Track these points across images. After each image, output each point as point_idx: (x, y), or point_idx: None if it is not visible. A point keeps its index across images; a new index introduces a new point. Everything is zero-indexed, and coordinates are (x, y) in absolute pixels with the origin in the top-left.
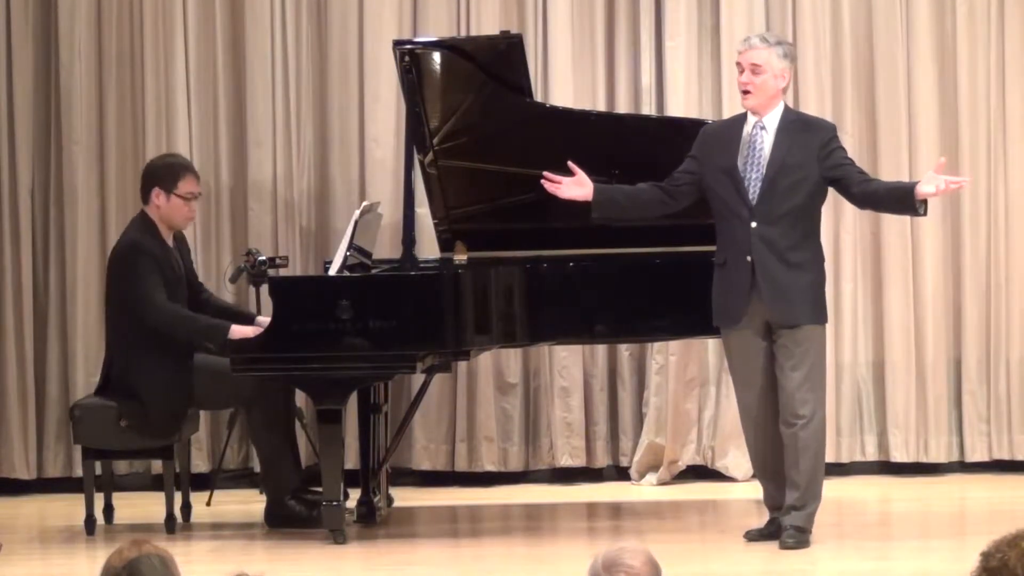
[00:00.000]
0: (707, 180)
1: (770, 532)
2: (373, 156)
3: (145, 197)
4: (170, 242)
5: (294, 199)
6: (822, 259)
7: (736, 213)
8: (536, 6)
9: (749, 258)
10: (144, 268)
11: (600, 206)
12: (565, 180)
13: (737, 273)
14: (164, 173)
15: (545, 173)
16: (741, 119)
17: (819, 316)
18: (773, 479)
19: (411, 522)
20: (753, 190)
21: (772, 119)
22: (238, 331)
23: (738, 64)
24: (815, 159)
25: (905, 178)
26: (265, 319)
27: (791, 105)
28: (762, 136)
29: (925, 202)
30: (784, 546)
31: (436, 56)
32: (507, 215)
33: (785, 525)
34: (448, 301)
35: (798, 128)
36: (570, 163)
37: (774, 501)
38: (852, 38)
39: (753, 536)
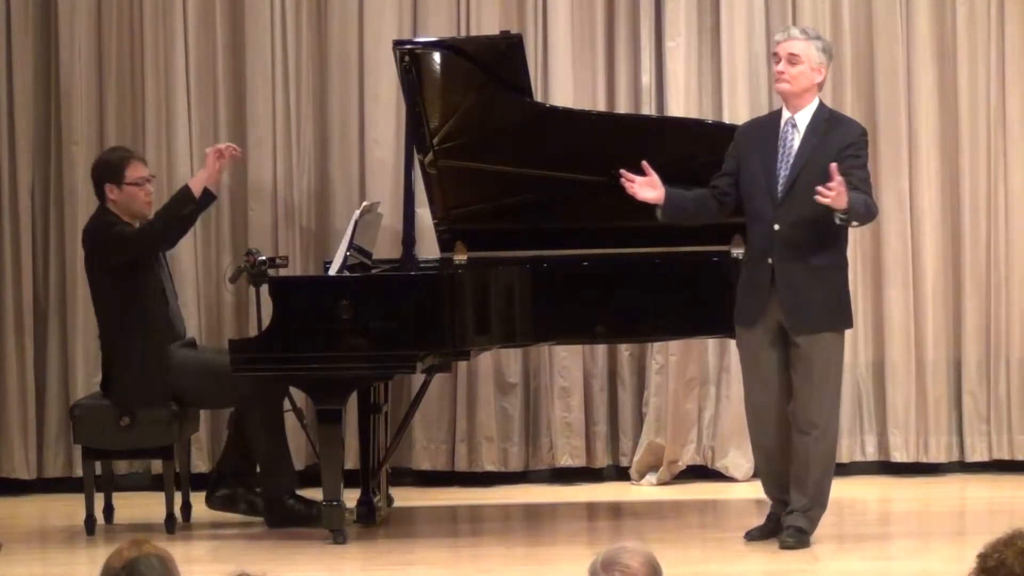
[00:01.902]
0: (741, 179)
1: (770, 530)
2: (373, 156)
3: (100, 196)
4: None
5: (294, 199)
6: (846, 265)
7: (762, 213)
8: (536, 6)
9: (770, 260)
10: (111, 232)
11: (667, 209)
12: (639, 180)
13: (758, 274)
14: (109, 167)
15: (623, 171)
16: (776, 116)
17: (837, 323)
18: (776, 477)
19: (411, 522)
20: (780, 191)
21: (804, 116)
22: (196, 182)
23: (774, 54)
24: (836, 160)
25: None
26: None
27: None
28: (793, 135)
29: (844, 212)
30: (784, 545)
31: (436, 56)
32: (507, 215)
33: (786, 524)
34: (448, 301)
35: (827, 127)
36: (644, 164)
37: (775, 494)
38: (852, 38)
39: (754, 536)
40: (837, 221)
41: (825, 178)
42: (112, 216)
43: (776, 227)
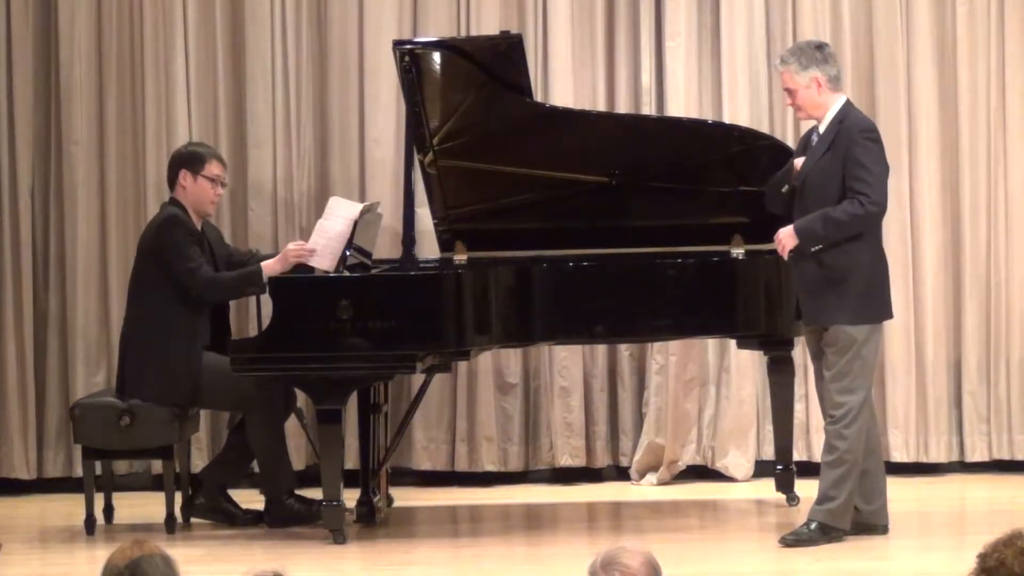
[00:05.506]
0: None
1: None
2: (373, 156)
3: (172, 181)
4: (199, 227)
5: (294, 199)
6: (869, 262)
7: (791, 219)
8: (536, 6)
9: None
10: (183, 240)
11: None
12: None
13: (795, 275)
14: (191, 156)
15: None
16: (815, 126)
17: (853, 318)
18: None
19: (411, 522)
20: (797, 196)
21: (823, 125)
22: (268, 267)
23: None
24: (841, 166)
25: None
26: (293, 244)
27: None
28: (815, 143)
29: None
30: (782, 542)
31: (436, 56)
32: (507, 215)
33: (807, 520)
34: (448, 301)
35: (836, 132)
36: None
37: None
38: (852, 38)
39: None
40: (812, 251)
41: (829, 183)
42: (182, 215)
43: None
